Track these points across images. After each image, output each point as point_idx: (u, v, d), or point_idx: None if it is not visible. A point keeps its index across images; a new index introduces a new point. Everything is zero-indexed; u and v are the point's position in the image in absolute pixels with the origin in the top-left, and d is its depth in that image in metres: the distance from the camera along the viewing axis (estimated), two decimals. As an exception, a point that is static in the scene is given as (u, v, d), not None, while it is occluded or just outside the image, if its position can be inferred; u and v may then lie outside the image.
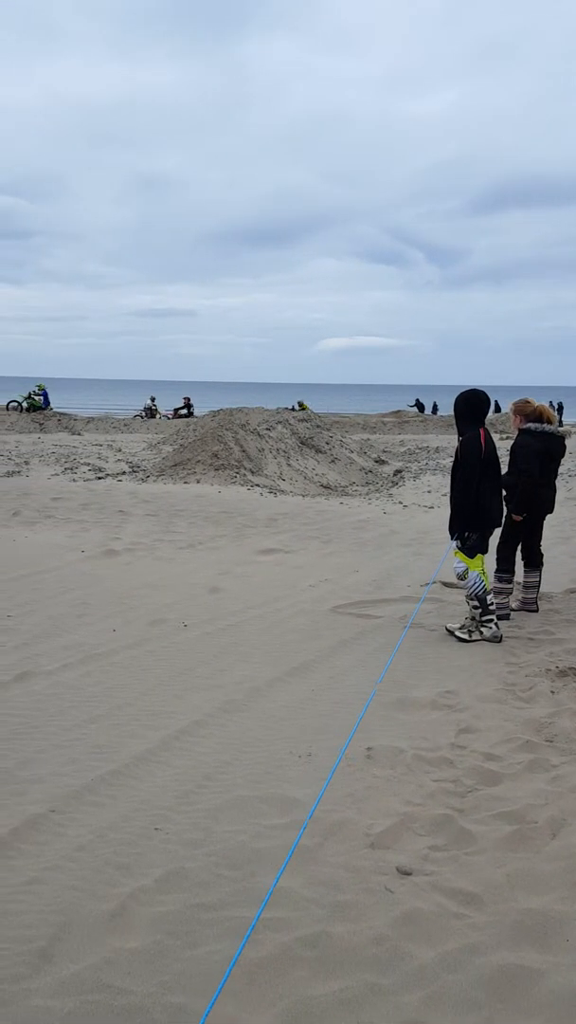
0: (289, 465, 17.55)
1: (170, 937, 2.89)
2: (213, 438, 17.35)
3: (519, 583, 7.57)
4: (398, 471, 19.92)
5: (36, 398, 33.70)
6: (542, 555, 7.47)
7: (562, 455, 7.29)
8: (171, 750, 4.44)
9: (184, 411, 37.24)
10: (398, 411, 45.66)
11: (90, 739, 4.59)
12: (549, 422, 7.27)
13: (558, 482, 7.89)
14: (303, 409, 37.91)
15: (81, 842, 3.51)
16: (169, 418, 36.63)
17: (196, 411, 35.94)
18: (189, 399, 38.73)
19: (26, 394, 34.56)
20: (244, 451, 17.09)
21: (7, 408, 34.79)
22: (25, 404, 33.81)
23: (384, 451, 24.79)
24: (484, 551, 6.59)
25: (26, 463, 18.72)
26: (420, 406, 47.77)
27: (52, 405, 35.51)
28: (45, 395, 34.17)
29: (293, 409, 37.81)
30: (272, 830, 3.60)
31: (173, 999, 2.58)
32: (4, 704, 5.08)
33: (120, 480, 16.24)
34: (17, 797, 3.89)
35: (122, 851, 3.45)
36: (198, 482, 15.64)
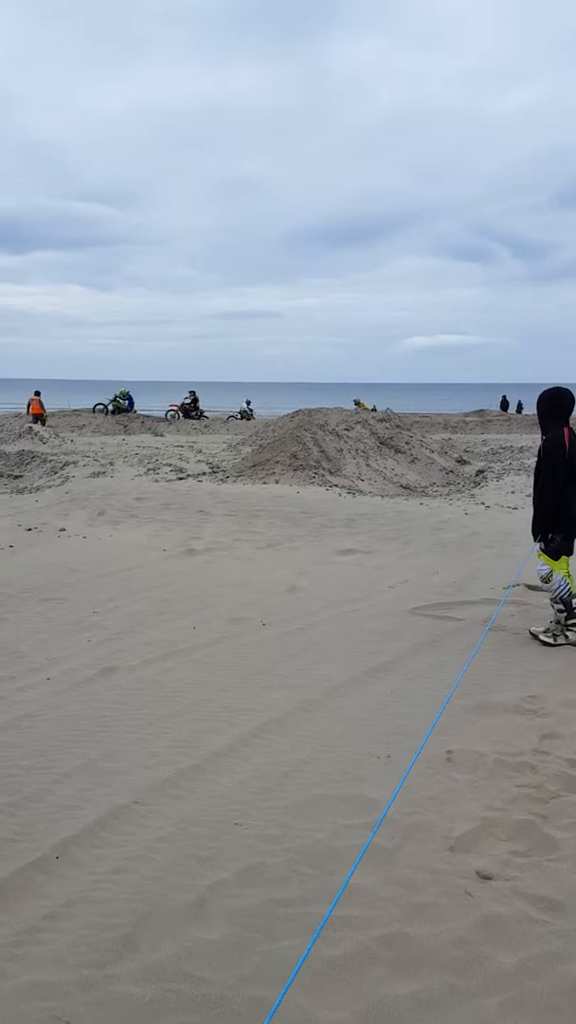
0: (368, 465, 17.47)
1: (249, 930, 2.92)
2: (292, 439, 17.42)
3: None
4: (480, 471, 19.59)
5: (121, 401, 34.53)
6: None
7: None
8: (250, 746, 4.49)
9: (189, 404, 37.12)
10: (481, 410, 44.89)
11: (171, 733, 4.68)
12: None
13: None
14: (360, 407, 37.79)
15: (163, 834, 3.59)
16: (177, 414, 36.37)
17: (277, 412, 35.94)
18: (194, 392, 38.25)
19: (111, 397, 35.45)
20: (323, 451, 17.10)
21: (93, 411, 35.74)
22: (111, 407, 34.68)
23: (466, 451, 24.41)
24: (569, 553, 6.43)
25: (111, 464, 19.17)
26: (505, 404, 46.86)
27: (136, 407, 36.29)
28: (130, 398, 34.98)
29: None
30: (350, 829, 3.60)
31: (252, 991, 2.61)
32: (90, 697, 5.23)
33: (200, 481, 16.47)
34: (103, 788, 4.00)
35: (202, 844, 3.51)
36: (277, 482, 15.73)
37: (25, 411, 30.94)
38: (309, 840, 3.51)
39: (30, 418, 29.67)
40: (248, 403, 39.78)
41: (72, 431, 29.54)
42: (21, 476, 19.65)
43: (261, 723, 4.79)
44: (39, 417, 29.72)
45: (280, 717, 4.89)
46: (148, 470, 17.95)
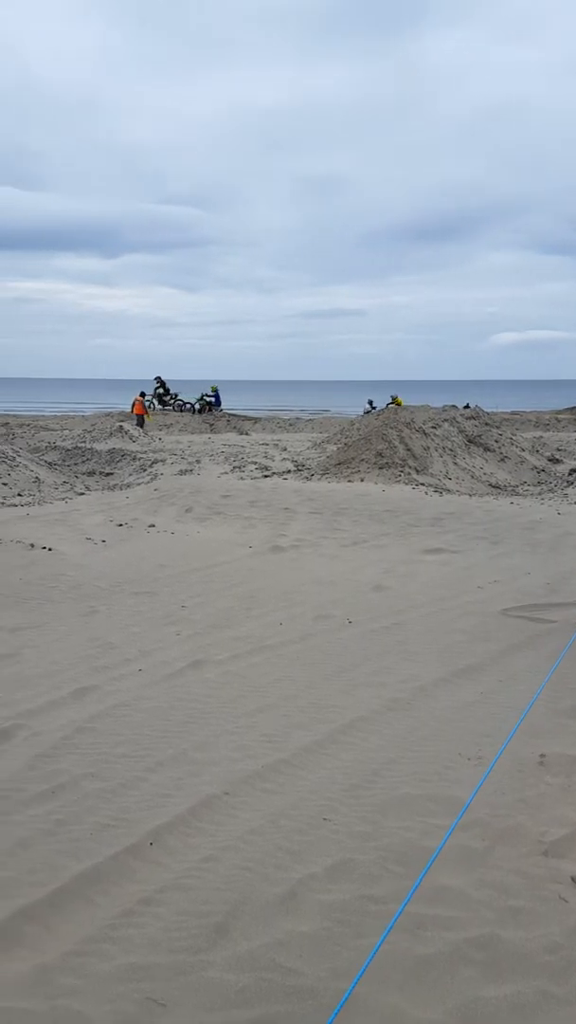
0: (456, 464, 17.24)
1: (340, 925, 2.94)
2: (377, 437, 17.34)
3: None
4: (574, 470, 19.06)
5: (208, 397, 35.07)
6: None
7: None
8: (338, 744, 4.50)
9: (162, 391, 36.94)
10: (574, 407, 43.63)
11: (259, 727, 4.73)
12: None
13: None
14: (397, 404, 37.26)
15: (253, 825, 3.64)
16: (171, 409, 36.36)
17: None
18: (160, 378, 37.99)
19: (199, 396, 36.02)
20: (409, 449, 16.96)
21: (181, 410, 36.39)
22: (197, 406, 35.25)
23: (559, 449, 23.79)
24: None
25: (198, 462, 19.51)
26: None
27: (222, 406, 36.78)
28: (217, 396, 35.47)
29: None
30: (440, 830, 3.56)
31: (343, 985, 2.62)
32: (179, 690, 5.34)
33: (285, 479, 16.58)
34: (193, 778, 4.09)
35: (292, 838, 3.54)
36: (362, 480, 15.69)
37: (129, 410, 31.85)
38: (398, 838, 3.50)
39: (134, 418, 30.52)
40: (371, 402, 39.15)
41: (160, 430, 30.17)
42: (112, 473, 20.19)
43: (349, 720, 4.79)
44: (141, 418, 30.51)
45: (367, 715, 4.88)
46: (234, 468, 18.18)
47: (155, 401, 36.17)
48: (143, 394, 32.06)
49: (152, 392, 36.65)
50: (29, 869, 3.32)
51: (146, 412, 31.24)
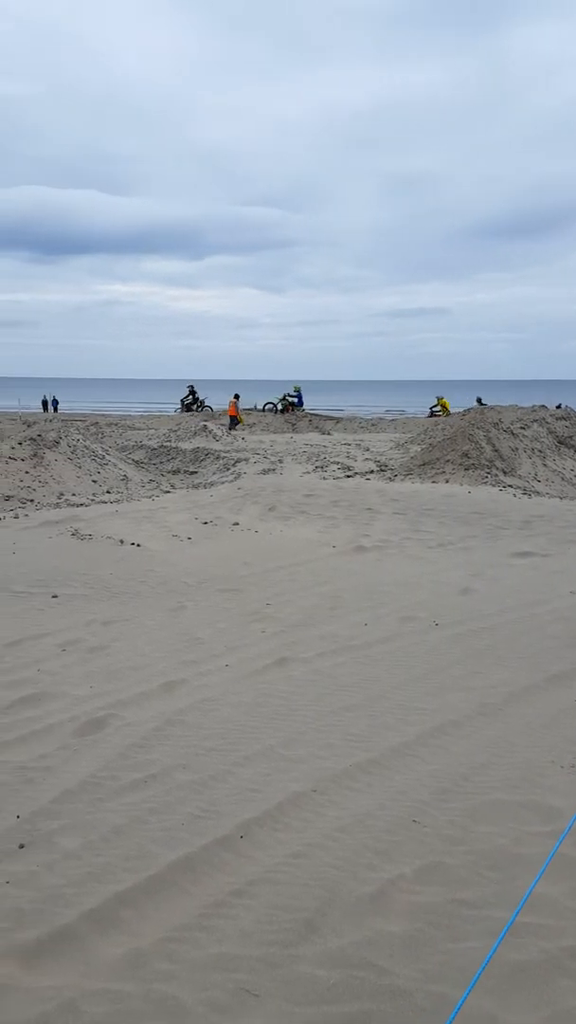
0: (545, 465, 16.83)
1: (431, 927, 2.92)
2: (463, 437, 17.08)
3: None
4: None
5: (291, 396, 35.24)
6: None
7: None
8: (427, 746, 4.46)
9: (190, 399, 37.14)
10: None
11: (346, 726, 4.73)
12: None
13: None
14: (441, 405, 36.45)
15: (341, 824, 3.65)
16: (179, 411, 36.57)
17: (450, 410, 35.28)
18: (193, 387, 38.73)
19: (281, 396, 36.20)
20: (496, 450, 16.65)
21: (263, 409, 36.68)
22: (280, 406, 35.44)
23: None
24: None
25: (280, 462, 19.61)
26: None
27: (304, 406, 36.87)
28: (299, 396, 35.59)
29: (432, 412, 36.11)
30: (533, 837, 3.50)
31: (435, 987, 2.61)
32: (265, 686, 5.39)
33: (368, 479, 16.50)
34: (281, 774, 4.12)
35: (380, 838, 3.53)
36: (447, 481, 15.49)
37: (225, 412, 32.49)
38: (490, 844, 3.45)
39: (228, 420, 31.04)
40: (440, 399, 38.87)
41: (243, 429, 30.44)
42: (196, 472, 20.51)
43: (437, 724, 4.74)
44: (235, 420, 30.97)
45: (457, 719, 4.82)
46: (316, 467, 18.21)
47: (182, 410, 37.26)
48: (237, 396, 32.48)
49: (182, 399, 37.80)
50: (124, 856, 3.41)
51: (239, 414, 31.65)
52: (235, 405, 31.65)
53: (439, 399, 37.10)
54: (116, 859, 3.39)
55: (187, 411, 37.11)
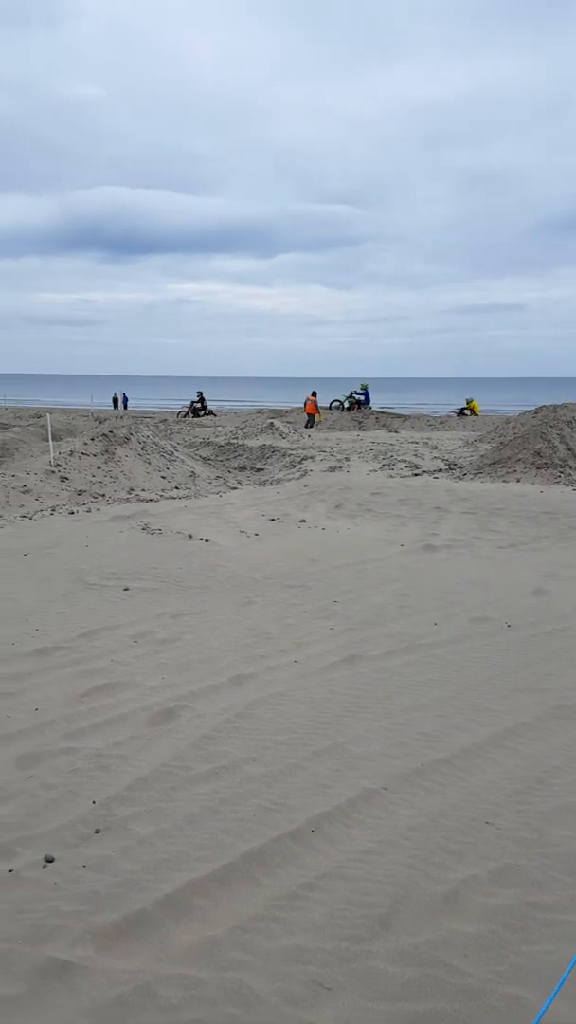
0: (618, 466, 16.38)
1: (506, 929, 2.88)
2: (535, 436, 16.76)
3: None
4: None
5: (358, 395, 35.13)
6: None
7: None
8: (500, 748, 4.40)
9: (199, 404, 37.35)
10: None
11: (416, 726, 4.70)
12: None
13: None
14: (470, 407, 35.64)
15: (413, 823, 3.63)
16: (187, 415, 36.69)
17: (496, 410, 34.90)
18: (202, 393, 39.04)
19: (347, 394, 36.11)
20: (570, 449, 16.28)
21: (330, 407, 36.68)
22: (347, 403, 35.36)
23: None
24: None
25: (347, 459, 19.57)
26: None
27: (371, 404, 36.70)
28: (366, 394, 35.45)
29: (461, 413, 35.61)
30: (611, 844, 3.42)
31: (510, 990, 2.57)
32: (334, 683, 5.39)
33: (436, 477, 16.34)
34: (351, 771, 4.12)
35: (453, 838, 3.50)
36: (518, 481, 15.22)
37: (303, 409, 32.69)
38: (567, 848, 3.39)
39: (306, 418, 31.25)
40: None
41: (305, 428, 30.47)
42: (262, 469, 20.63)
43: (510, 725, 4.67)
44: (312, 418, 31.15)
45: (530, 721, 4.75)
46: (383, 466, 18.11)
47: (190, 412, 37.90)
48: (315, 393, 32.61)
49: (190, 404, 38.41)
50: (197, 844, 3.46)
51: (317, 411, 31.77)
52: (313, 403, 31.78)
53: (469, 401, 36.68)
54: (189, 847, 3.44)
55: (195, 416, 37.98)
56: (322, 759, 4.27)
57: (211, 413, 39.08)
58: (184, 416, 37.67)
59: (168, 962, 2.79)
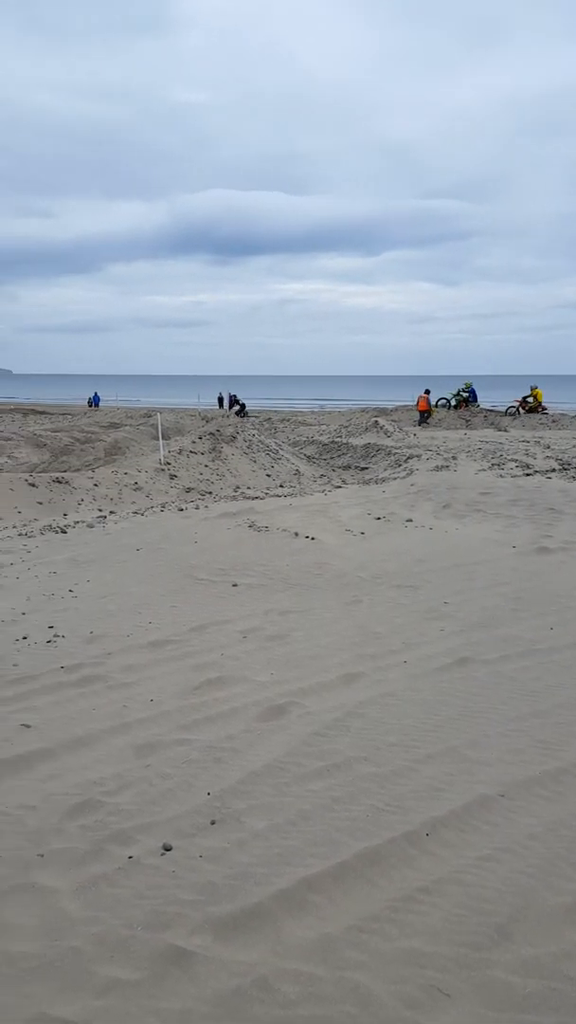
0: None
1: None
2: None
3: None
4: None
5: (464, 393, 34.51)
6: None
7: None
8: (624, 758, 4.22)
9: (237, 407, 37.67)
10: None
11: (534, 733, 4.56)
12: None
13: None
14: (534, 394, 33.78)
15: (532, 831, 3.52)
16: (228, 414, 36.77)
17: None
18: (235, 396, 40.20)
19: (454, 391, 35.53)
20: None
21: (436, 405, 36.20)
22: (453, 401, 34.79)
23: None
24: None
25: (454, 458, 19.24)
26: None
27: (479, 401, 35.98)
28: (472, 391, 34.78)
29: (524, 402, 33.71)
30: None
31: None
32: (446, 685, 5.30)
33: (549, 477, 15.84)
34: (466, 776, 4.03)
35: (575, 849, 3.37)
36: None
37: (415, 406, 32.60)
38: None
39: (418, 415, 31.16)
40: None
41: (415, 425, 30.16)
42: (367, 468, 20.56)
43: None
44: (425, 414, 31.01)
45: None
46: (492, 465, 17.70)
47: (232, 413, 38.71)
48: (428, 391, 32.34)
49: (230, 403, 39.65)
50: (310, 841, 3.46)
51: (431, 409, 31.54)
52: (426, 400, 31.53)
53: (533, 388, 35.00)
54: (303, 843, 3.45)
55: (240, 415, 39.10)
56: (436, 762, 4.20)
57: (246, 414, 40.27)
58: (515, 413, 37.94)
59: (285, 957, 2.80)
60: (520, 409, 33.73)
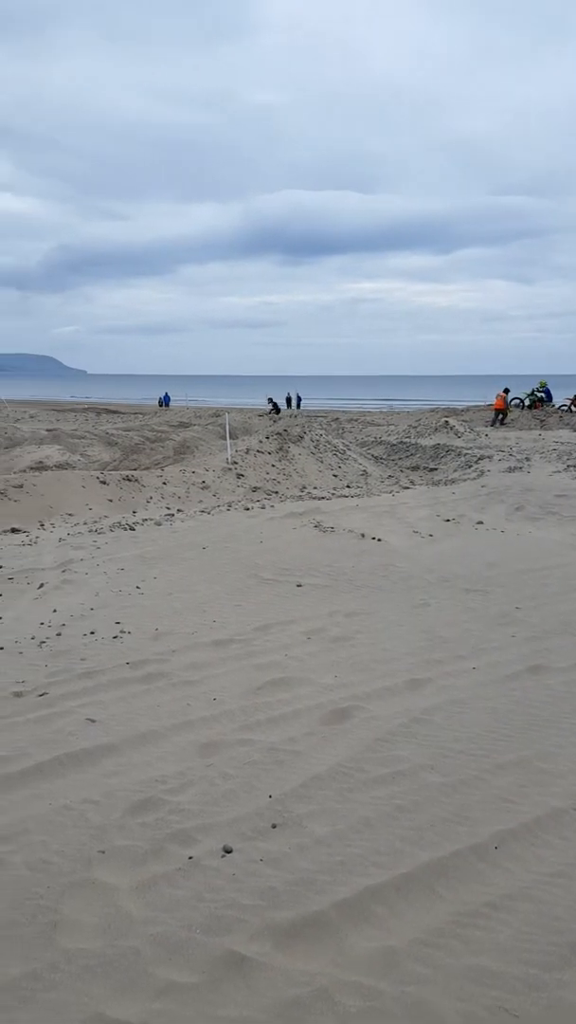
0: None
1: None
2: None
3: None
4: None
5: (539, 393, 33.73)
6: None
7: None
8: None
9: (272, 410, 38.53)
10: None
11: (609, 744, 4.37)
12: None
13: None
14: (543, 388, 32.56)
15: (607, 849, 3.35)
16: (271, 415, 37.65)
17: None
18: (271, 398, 41.62)
19: (529, 391, 34.76)
20: None
21: (510, 405, 35.58)
22: (528, 401, 34.05)
23: None
24: None
25: (527, 459, 18.79)
26: None
27: (555, 402, 35.12)
28: (547, 391, 33.96)
29: (533, 394, 32.65)
30: None
31: None
32: (517, 693, 5.13)
33: (626, 480, 15.33)
34: (539, 788, 3.88)
35: None
36: None
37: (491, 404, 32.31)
38: None
39: (493, 414, 30.84)
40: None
41: (486, 426, 29.62)
42: (436, 469, 20.26)
43: None
44: (501, 412, 30.66)
45: None
46: (568, 466, 17.23)
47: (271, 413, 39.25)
48: (506, 390, 31.87)
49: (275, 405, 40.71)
50: (373, 849, 3.37)
51: (507, 408, 31.11)
52: (504, 398, 31.09)
53: (542, 382, 34.08)
54: (366, 851, 3.36)
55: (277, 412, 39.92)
56: (506, 773, 4.05)
57: (277, 411, 41.16)
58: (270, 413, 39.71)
59: (346, 968, 2.72)
60: (573, 407, 33.04)
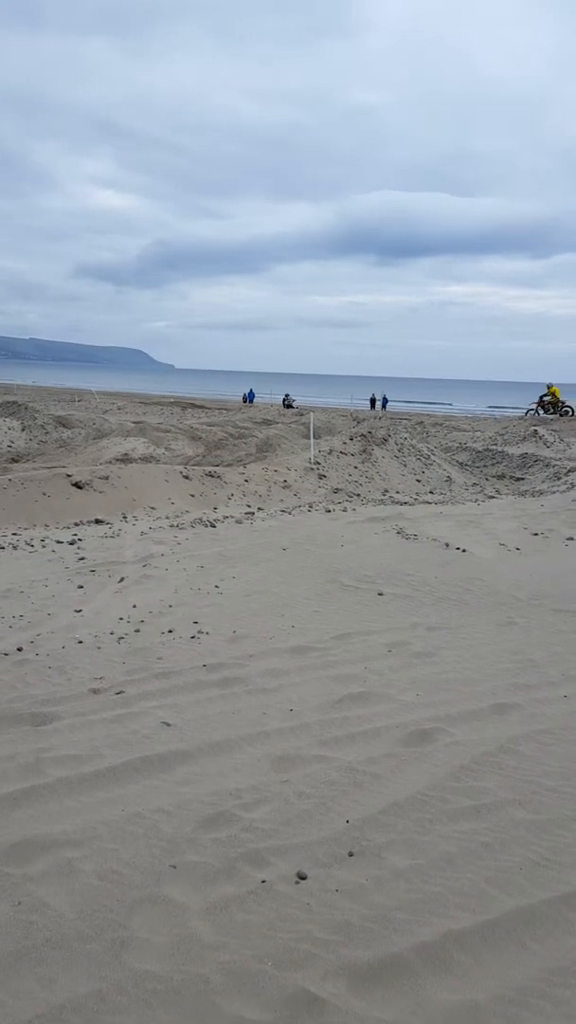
0: None
1: None
2: None
3: None
4: None
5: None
6: None
7: None
8: None
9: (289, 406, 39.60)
10: None
11: None
12: None
13: None
14: (551, 392, 31.01)
15: None
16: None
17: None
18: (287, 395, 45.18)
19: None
20: None
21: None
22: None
23: None
24: None
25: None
26: None
27: None
28: None
29: (542, 399, 31.50)
30: None
31: None
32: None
33: None
34: None
35: None
36: None
37: None
38: None
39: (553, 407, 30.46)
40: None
41: (574, 436, 28.69)
42: (523, 479, 19.70)
43: None
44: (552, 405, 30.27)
45: None
46: None
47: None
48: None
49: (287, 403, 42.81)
50: (456, 890, 3.17)
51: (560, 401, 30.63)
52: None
53: (550, 387, 32.88)
54: (448, 891, 3.16)
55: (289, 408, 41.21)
56: (600, 814, 3.79)
57: (291, 406, 42.85)
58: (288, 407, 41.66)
59: (425, 1019, 2.54)
60: (539, 409, 32.84)
